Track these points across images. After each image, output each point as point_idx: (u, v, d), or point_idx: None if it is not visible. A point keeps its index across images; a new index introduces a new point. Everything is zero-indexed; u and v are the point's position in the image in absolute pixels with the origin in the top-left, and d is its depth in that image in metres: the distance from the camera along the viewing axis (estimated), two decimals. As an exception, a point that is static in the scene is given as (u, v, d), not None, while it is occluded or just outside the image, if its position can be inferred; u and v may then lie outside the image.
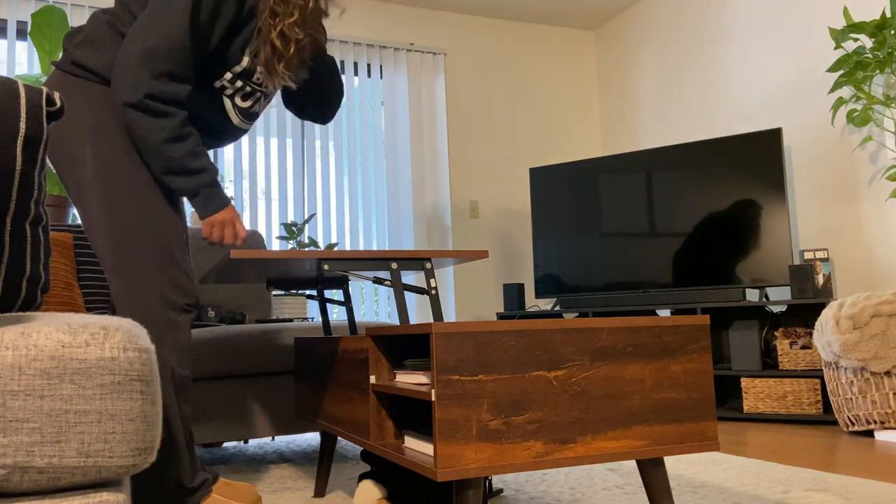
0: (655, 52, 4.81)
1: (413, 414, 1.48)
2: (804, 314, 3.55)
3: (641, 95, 4.94)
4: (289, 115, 4.43)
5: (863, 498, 1.82)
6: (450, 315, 4.72)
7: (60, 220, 2.93)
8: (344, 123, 4.59)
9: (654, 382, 1.30)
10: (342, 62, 4.65)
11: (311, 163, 4.47)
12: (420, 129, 4.74)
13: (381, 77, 4.77)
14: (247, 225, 4.32)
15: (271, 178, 4.35)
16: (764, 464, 2.31)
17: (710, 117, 4.40)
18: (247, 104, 1.82)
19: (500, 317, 4.35)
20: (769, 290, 3.90)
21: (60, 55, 1.75)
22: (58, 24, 3.18)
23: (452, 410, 1.14)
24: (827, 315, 2.85)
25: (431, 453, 1.23)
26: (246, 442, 3.25)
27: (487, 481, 1.85)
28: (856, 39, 3.19)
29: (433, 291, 1.69)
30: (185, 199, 1.79)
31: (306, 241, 4.37)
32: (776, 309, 3.68)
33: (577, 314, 4.19)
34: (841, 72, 3.44)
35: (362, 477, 1.78)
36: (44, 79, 3.26)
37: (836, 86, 3.25)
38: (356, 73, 4.67)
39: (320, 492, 2.03)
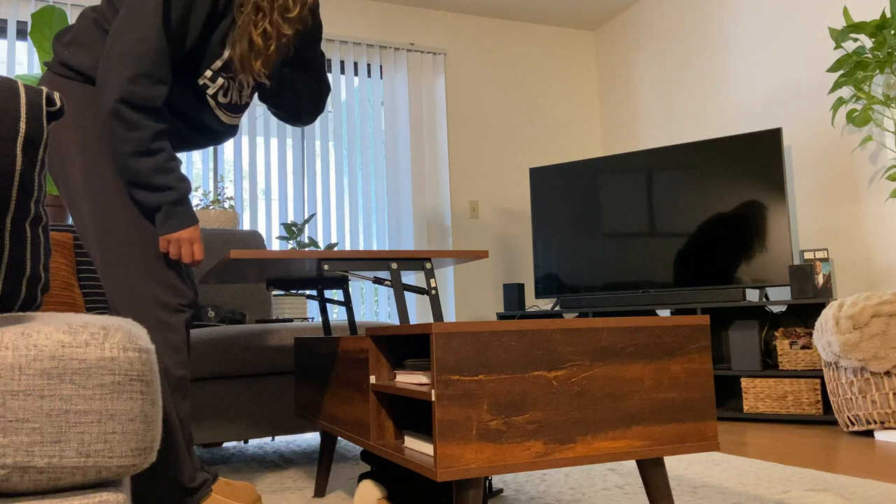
0: (655, 52, 4.81)
1: (413, 414, 1.48)
2: (804, 314, 3.55)
3: (641, 95, 4.94)
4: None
5: (863, 498, 1.82)
6: (450, 315, 4.72)
7: (60, 220, 2.93)
8: (344, 123, 4.59)
9: (654, 382, 1.30)
10: (342, 62, 4.65)
11: (311, 163, 4.47)
12: (420, 129, 4.74)
13: (381, 77, 4.77)
14: (247, 225, 4.32)
15: (271, 178, 4.35)
16: (764, 464, 2.31)
17: (710, 117, 4.39)
18: (227, 99, 1.80)
19: (500, 317, 4.35)
20: (769, 290, 3.90)
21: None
22: (58, 24, 3.18)
23: (452, 410, 1.14)
24: (827, 315, 2.85)
25: (431, 453, 1.23)
26: (246, 442, 3.25)
27: (487, 481, 1.85)
28: (856, 39, 3.19)
29: (433, 291, 1.69)
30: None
31: (306, 241, 4.37)
32: (776, 309, 3.68)
33: (577, 314, 4.19)
34: (841, 72, 3.44)
35: (362, 477, 1.78)
36: (44, 79, 3.25)
37: (836, 86, 3.25)
38: (356, 73, 4.67)
39: (320, 492, 2.03)
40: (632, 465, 2.35)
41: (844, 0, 3.58)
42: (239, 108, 1.85)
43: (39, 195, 1.04)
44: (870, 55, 3.18)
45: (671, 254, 3.90)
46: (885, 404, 2.73)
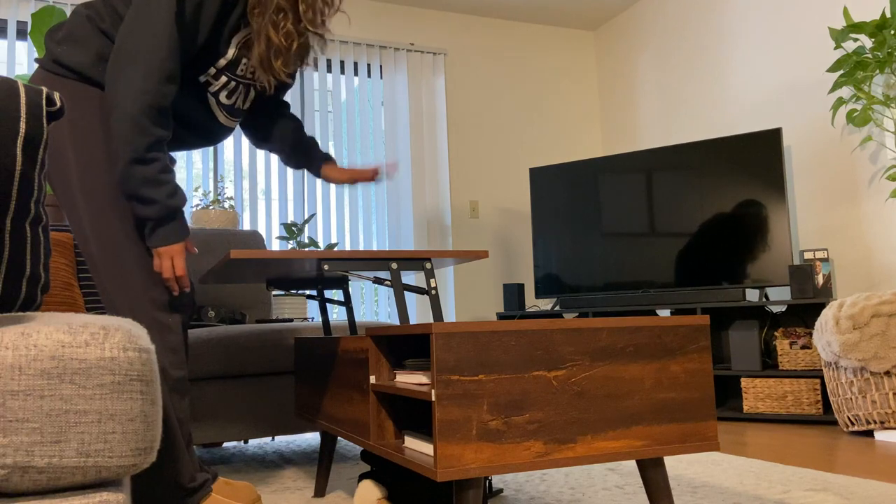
0: (655, 52, 4.81)
1: (413, 414, 1.48)
2: (804, 314, 3.55)
3: (641, 95, 4.94)
4: (289, 115, 4.43)
5: (863, 498, 1.82)
6: (450, 315, 4.72)
7: (60, 220, 2.93)
8: (344, 123, 4.59)
9: (654, 382, 1.30)
10: (342, 62, 4.65)
11: (311, 163, 4.46)
12: (420, 129, 4.74)
13: (381, 77, 4.77)
14: (247, 225, 4.32)
15: (271, 178, 4.35)
16: (764, 464, 2.31)
17: (710, 117, 4.40)
18: (231, 101, 1.79)
19: (500, 317, 4.35)
20: (769, 290, 3.90)
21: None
22: (58, 24, 3.18)
23: (452, 410, 1.14)
24: (827, 315, 2.85)
25: (431, 453, 1.23)
26: (246, 442, 3.25)
27: (487, 481, 1.85)
28: (856, 39, 3.19)
29: (433, 291, 1.69)
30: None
31: (306, 241, 4.37)
32: (776, 309, 3.68)
33: (577, 314, 4.19)
34: (841, 72, 3.44)
35: (362, 477, 1.78)
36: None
37: (836, 86, 3.25)
38: (356, 73, 4.67)
39: (320, 492, 2.03)
40: (632, 465, 2.35)
41: (844, 0, 3.58)
42: (239, 113, 1.84)
43: (39, 195, 1.04)
44: (870, 55, 3.18)
45: (671, 254, 3.90)
46: (885, 404, 2.73)
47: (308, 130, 4.50)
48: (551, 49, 5.30)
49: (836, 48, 3.25)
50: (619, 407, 1.26)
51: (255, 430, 2.44)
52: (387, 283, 1.72)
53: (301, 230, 3.62)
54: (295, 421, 2.49)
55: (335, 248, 3.96)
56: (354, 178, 2.02)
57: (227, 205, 3.83)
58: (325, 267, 1.64)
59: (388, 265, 1.68)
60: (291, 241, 3.66)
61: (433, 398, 1.14)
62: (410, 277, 4.49)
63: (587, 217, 4.20)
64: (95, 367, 0.79)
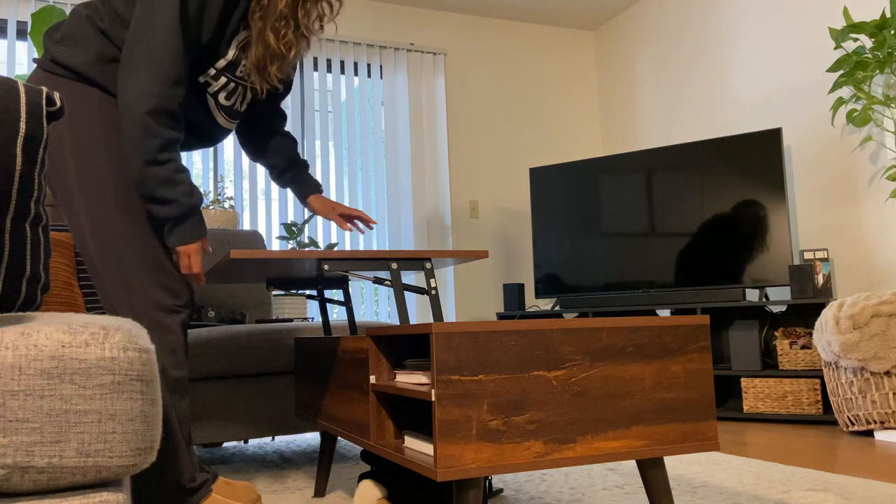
0: (655, 52, 4.81)
1: (413, 414, 1.48)
2: (804, 314, 3.55)
3: (641, 95, 4.94)
4: (289, 114, 4.43)
5: (863, 498, 1.82)
6: (450, 315, 4.72)
7: (60, 220, 2.93)
8: (344, 123, 4.59)
9: (654, 382, 1.30)
10: (342, 62, 4.65)
11: (312, 163, 4.47)
12: (420, 129, 4.74)
13: (381, 77, 4.77)
14: (247, 225, 4.32)
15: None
16: (764, 464, 2.31)
17: (710, 117, 4.40)
18: (230, 102, 1.78)
19: (500, 317, 4.35)
20: (769, 290, 3.90)
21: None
22: (58, 24, 3.18)
23: (452, 410, 1.14)
24: (827, 315, 2.85)
25: (431, 453, 1.23)
26: (246, 442, 3.25)
27: (487, 481, 1.85)
28: (856, 39, 3.19)
29: (433, 291, 1.69)
30: None
31: (306, 241, 4.37)
32: (776, 309, 3.68)
33: (577, 314, 4.19)
34: (841, 72, 3.44)
35: (362, 477, 1.78)
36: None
37: (836, 86, 3.25)
38: (356, 73, 4.67)
39: (320, 492, 2.03)
40: (632, 465, 2.35)
41: (844, 0, 3.58)
42: (237, 115, 1.84)
43: (39, 195, 1.04)
44: (870, 55, 3.18)
45: (671, 254, 3.90)
46: (885, 404, 2.73)
47: (308, 130, 4.50)
48: (551, 49, 5.30)
49: (836, 48, 3.25)
50: (619, 407, 1.26)
51: (255, 430, 2.44)
52: (387, 283, 1.72)
53: (301, 230, 3.62)
54: (295, 421, 2.49)
55: (335, 248, 3.96)
56: (334, 217, 2.04)
57: (227, 205, 3.83)
58: (325, 267, 1.64)
59: (388, 265, 1.68)
60: (291, 241, 3.66)
61: (433, 398, 1.14)
62: (410, 277, 4.49)
63: (587, 217, 4.20)
64: (95, 367, 0.79)
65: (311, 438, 3.28)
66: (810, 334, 3.34)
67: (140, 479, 1.60)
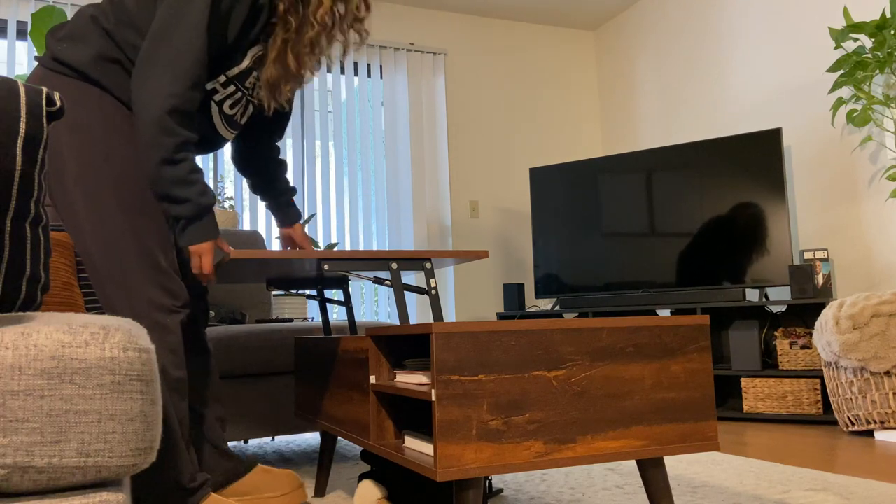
0: (655, 52, 4.81)
1: (413, 414, 1.48)
2: (804, 314, 3.55)
3: (641, 95, 4.94)
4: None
5: (863, 498, 1.82)
6: (450, 315, 4.72)
7: (60, 220, 2.93)
8: (344, 123, 4.59)
9: (654, 382, 1.30)
10: (342, 62, 4.65)
11: (311, 163, 4.47)
12: (420, 129, 4.74)
13: (381, 77, 4.77)
14: (246, 225, 4.32)
15: (271, 178, 4.35)
16: (764, 464, 2.32)
17: (710, 117, 4.40)
18: (233, 112, 1.78)
19: (500, 317, 4.35)
20: (769, 290, 3.90)
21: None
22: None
23: (452, 410, 1.14)
24: (827, 315, 2.85)
25: (431, 453, 1.23)
26: (246, 442, 3.25)
27: (487, 481, 1.85)
28: (856, 39, 3.19)
29: (433, 291, 1.69)
30: None
31: (306, 241, 4.36)
32: (776, 309, 3.68)
33: (577, 314, 4.19)
34: (841, 72, 3.44)
35: (362, 477, 1.78)
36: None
37: (836, 86, 3.25)
38: (356, 73, 4.68)
39: (320, 492, 2.03)
40: (632, 465, 2.35)
41: (844, 0, 3.58)
42: (237, 126, 1.84)
43: (39, 195, 1.04)
44: (870, 55, 3.18)
45: (671, 254, 3.90)
46: (885, 404, 2.73)
47: (308, 130, 4.50)
48: (551, 49, 5.30)
49: (836, 48, 3.25)
50: (619, 407, 1.26)
51: (255, 430, 2.44)
52: (387, 283, 1.72)
53: (301, 230, 3.61)
54: (295, 421, 2.49)
55: (335, 248, 3.96)
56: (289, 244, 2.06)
57: (227, 205, 3.83)
58: (325, 267, 1.64)
59: (388, 265, 1.68)
60: (291, 241, 3.65)
61: (433, 398, 1.14)
62: (410, 277, 4.49)
63: (587, 217, 4.20)
64: (95, 367, 0.79)
65: (311, 438, 3.28)
66: (810, 334, 3.34)
67: (140, 479, 1.60)
